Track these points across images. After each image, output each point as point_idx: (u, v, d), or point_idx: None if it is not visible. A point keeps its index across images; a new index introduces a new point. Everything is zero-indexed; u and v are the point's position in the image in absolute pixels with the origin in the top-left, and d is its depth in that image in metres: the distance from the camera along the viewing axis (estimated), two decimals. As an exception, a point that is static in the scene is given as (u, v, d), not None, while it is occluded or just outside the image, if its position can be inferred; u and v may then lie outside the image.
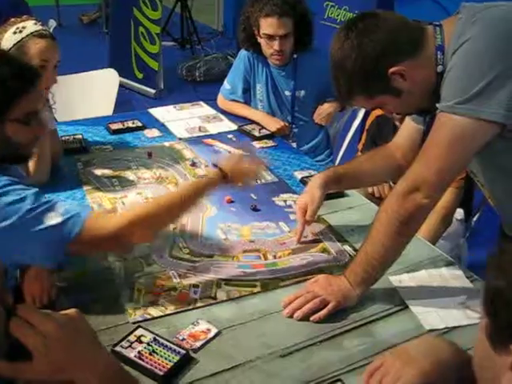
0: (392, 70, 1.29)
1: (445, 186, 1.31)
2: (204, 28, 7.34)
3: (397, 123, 2.18)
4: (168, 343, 1.22)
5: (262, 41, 2.39)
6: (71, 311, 0.81)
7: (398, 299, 1.40)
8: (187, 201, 1.40)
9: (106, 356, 0.84)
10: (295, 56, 2.44)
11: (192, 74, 5.74)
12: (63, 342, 0.77)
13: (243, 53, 2.56)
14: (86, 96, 2.93)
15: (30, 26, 1.75)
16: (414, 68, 1.29)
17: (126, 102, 4.55)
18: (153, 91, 5.10)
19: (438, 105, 1.26)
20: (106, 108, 2.96)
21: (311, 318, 1.33)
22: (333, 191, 1.80)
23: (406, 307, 1.38)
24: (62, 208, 1.24)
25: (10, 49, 1.72)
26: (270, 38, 2.34)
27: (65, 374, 0.78)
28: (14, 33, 1.73)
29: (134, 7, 4.99)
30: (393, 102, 1.37)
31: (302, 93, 2.50)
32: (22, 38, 1.73)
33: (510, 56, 1.17)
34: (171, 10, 6.61)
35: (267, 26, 2.31)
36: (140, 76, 5.15)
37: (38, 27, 1.76)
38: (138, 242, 1.37)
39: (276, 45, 2.34)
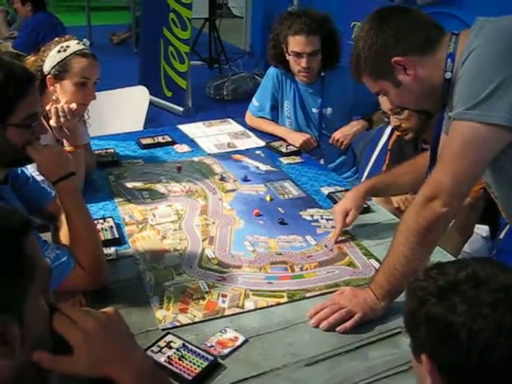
0: (395, 59, 1.37)
1: (462, 193, 1.33)
2: (231, 48, 7.46)
3: (420, 145, 2.22)
4: (196, 349, 1.25)
5: (290, 58, 2.44)
6: (109, 309, 0.85)
7: (423, 312, 1.42)
8: None
9: (141, 354, 0.87)
10: (323, 74, 2.49)
11: (220, 93, 5.83)
12: (102, 338, 0.81)
13: (272, 70, 2.62)
14: (117, 112, 3.01)
15: (74, 45, 1.84)
16: (418, 65, 1.37)
17: (154, 119, 4.64)
18: (181, 109, 5.19)
19: (450, 113, 1.31)
20: (137, 124, 3.04)
21: (337, 329, 1.35)
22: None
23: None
24: (52, 253, 1.31)
25: (54, 66, 1.80)
26: (298, 55, 2.40)
27: (103, 369, 0.82)
28: (59, 51, 1.82)
29: (164, 27, 5.12)
30: (392, 91, 1.45)
31: (329, 110, 2.55)
32: (66, 57, 1.81)
33: None
34: (199, 30, 6.75)
35: (295, 43, 2.37)
36: (169, 94, 5.25)
37: (81, 46, 1.85)
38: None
39: (304, 62, 2.40)
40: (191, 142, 2.52)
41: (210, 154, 2.38)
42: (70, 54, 1.83)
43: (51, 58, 1.83)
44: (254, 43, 7.85)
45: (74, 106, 1.80)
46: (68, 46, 1.84)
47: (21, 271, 0.74)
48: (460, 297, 0.80)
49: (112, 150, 2.34)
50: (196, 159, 2.33)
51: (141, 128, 3.02)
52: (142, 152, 2.40)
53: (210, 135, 2.61)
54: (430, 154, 1.58)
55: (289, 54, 2.43)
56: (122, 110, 3.02)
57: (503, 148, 1.26)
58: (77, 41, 1.87)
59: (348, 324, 1.35)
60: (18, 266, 0.74)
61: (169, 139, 2.50)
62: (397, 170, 1.85)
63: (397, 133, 2.29)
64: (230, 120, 2.83)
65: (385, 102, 2.08)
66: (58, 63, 1.82)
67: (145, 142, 2.46)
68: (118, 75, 5.26)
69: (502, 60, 1.22)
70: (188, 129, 2.69)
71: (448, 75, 1.35)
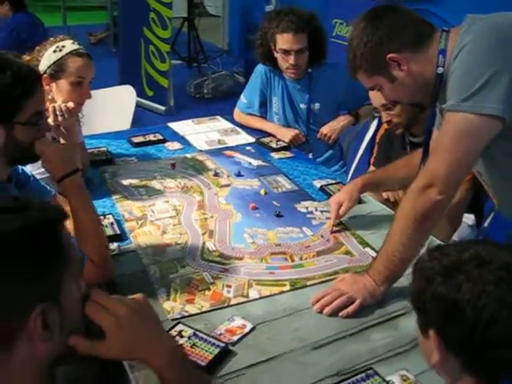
0: (390, 55, 1.43)
1: (457, 181, 1.40)
2: (209, 47, 7.48)
3: (407, 139, 2.29)
4: (207, 337, 1.30)
5: (278, 55, 2.50)
6: (138, 296, 0.89)
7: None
8: None
9: (171, 338, 0.92)
10: (310, 70, 2.55)
11: (200, 91, 5.86)
12: (134, 323, 0.85)
13: (260, 68, 2.67)
14: (104, 112, 3.02)
15: (69, 45, 1.86)
16: (411, 61, 1.44)
17: (137, 119, 4.66)
18: (163, 108, 5.21)
19: (443, 105, 1.38)
20: (124, 123, 3.06)
21: (340, 314, 1.41)
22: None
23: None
24: None
25: (50, 66, 1.82)
26: (286, 52, 2.45)
27: (135, 353, 0.86)
28: (54, 51, 1.84)
29: (145, 26, 5.12)
30: (387, 86, 1.51)
31: (317, 106, 2.61)
32: (62, 56, 1.83)
33: (503, 56, 1.29)
34: (178, 30, 6.76)
35: (283, 41, 2.43)
36: (150, 93, 5.26)
37: (76, 46, 1.87)
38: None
39: (291, 59, 2.45)
40: (182, 140, 2.55)
41: (201, 151, 2.42)
42: (66, 54, 1.85)
43: (47, 57, 1.85)
44: (232, 42, 7.89)
45: (71, 104, 1.83)
46: (64, 46, 1.86)
47: (58, 259, 0.78)
48: (465, 276, 0.86)
49: (105, 149, 2.37)
50: (189, 156, 2.37)
51: (128, 127, 3.04)
52: (135, 150, 2.43)
53: (200, 132, 2.64)
54: (422, 147, 1.64)
55: (277, 52, 2.49)
56: (108, 110, 3.03)
57: (494, 138, 1.33)
58: (72, 41, 1.90)
59: (350, 309, 1.41)
60: (56, 255, 0.78)
61: (160, 137, 2.53)
62: (393, 166, 1.91)
63: (384, 127, 2.35)
64: (218, 117, 2.87)
65: (376, 98, 2.15)
66: (54, 63, 1.84)
67: (136, 140, 2.49)
68: (98, 75, 5.23)
69: (492, 55, 1.29)
70: (177, 126, 2.72)
71: (440, 70, 1.42)
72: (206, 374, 1.13)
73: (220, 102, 5.69)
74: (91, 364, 0.98)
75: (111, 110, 3.08)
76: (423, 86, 1.47)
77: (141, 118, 5.04)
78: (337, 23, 4.08)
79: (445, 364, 0.91)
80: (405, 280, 1.49)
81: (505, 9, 1.44)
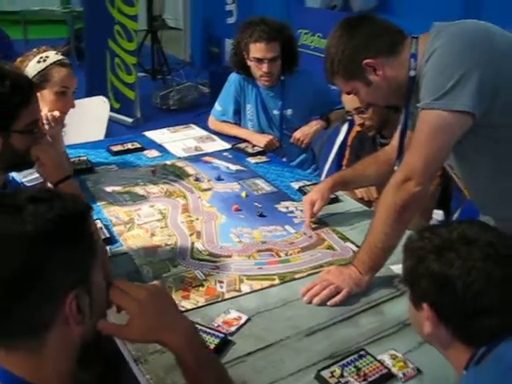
0: (366, 61, 1.54)
1: (432, 174, 1.52)
2: (172, 59, 7.54)
3: (378, 140, 2.42)
4: (206, 329, 1.36)
5: (251, 64, 2.59)
6: (156, 283, 0.96)
7: (400, 284, 1.58)
8: None
9: (188, 320, 0.98)
10: (282, 78, 2.65)
11: (166, 103, 5.92)
12: (154, 306, 0.92)
13: (234, 76, 2.75)
14: (79, 122, 3.04)
15: (52, 55, 1.91)
16: (385, 66, 1.55)
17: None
18: (130, 120, 5.24)
19: (418, 104, 1.48)
20: (98, 134, 3.09)
21: (328, 303, 1.49)
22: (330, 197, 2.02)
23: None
24: None
25: (35, 76, 1.86)
26: (259, 61, 2.55)
27: (155, 335, 0.93)
28: (38, 62, 1.88)
29: (110, 39, 5.16)
30: (363, 90, 1.61)
31: (290, 111, 2.71)
32: (46, 67, 1.88)
33: (471, 58, 1.41)
34: (142, 42, 6.80)
35: (256, 50, 2.52)
36: (117, 106, 5.28)
37: (60, 57, 1.92)
38: None
39: (265, 67, 2.55)
40: (160, 147, 2.61)
41: (180, 158, 2.49)
42: (50, 64, 1.90)
43: (31, 68, 1.89)
44: (194, 54, 7.99)
45: (56, 113, 1.87)
46: (47, 57, 1.90)
47: (88, 247, 0.84)
48: (455, 253, 0.96)
49: (85, 158, 2.41)
50: (168, 163, 2.43)
51: (102, 137, 3.08)
52: (114, 158, 2.47)
53: (177, 140, 2.71)
54: (397, 146, 1.74)
55: (250, 60, 2.58)
56: (83, 121, 3.05)
57: (465, 133, 1.45)
58: (55, 51, 1.94)
59: (338, 298, 1.50)
60: (86, 243, 0.84)
61: (138, 145, 2.58)
62: (361, 164, 2.02)
63: (356, 129, 2.48)
64: (192, 125, 2.94)
65: (348, 102, 2.27)
66: (39, 73, 1.88)
67: (115, 149, 2.53)
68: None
69: (461, 57, 1.41)
70: (154, 135, 2.78)
71: (412, 73, 1.53)
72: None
73: (186, 113, 5.76)
74: (94, 362, 1.03)
75: (86, 120, 3.10)
76: (397, 89, 1.58)
77: (108, 130, 5.06)
78: (302, 33, 4.22)
79: (437, 334, 1.00)
80: (386, 272, 1.61)
81: (450, 16, 1.58)
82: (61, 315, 0.80)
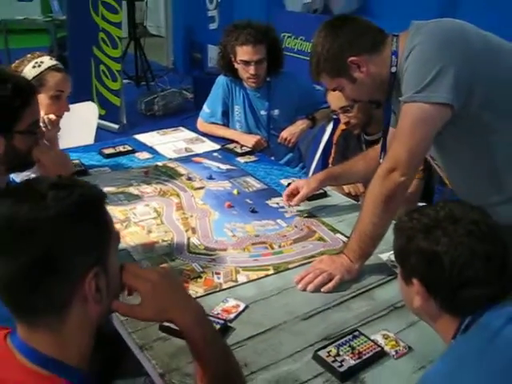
0: (350, 59, 1.63)
1: (416, 164, 1.60)
2: (155, 65, 7.59)
3: (363, 138, 2.51)
4: (207, 317, 1.42)
5: (238, 66, 2.66)
6: (164, 266, 1.02)
7: (389, 270, 1.67)
8: None
9: (195, 300, 1.05)
10: (269, 79, 2.73)
11: (151, 109, 5.97)
12: (165, 287, 0.98)
13: (221, 79, 2.83)
14: (68, 127, 3.09)
15: (47, 60, 1.96)
16: (369, 63, 1.64)
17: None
18: (116, 126, 5.28)
19: (400, 98, 1.57)
20: (87, 138, 3.13)
21: (322, 289, 1.57)
22: (318, 192, 2.10)
23: (397, 275, 1.64)
24: None
25: (30, 80, 1.91)
26: (246, 63, 2.63)
27: (166, 313, 0.99)
28: (34, 67, 1.94)
29: (94, 46, 5.20)
30: (348, 87, 1.70)
31: (276, 112, 2.79)
32: (42, 72, 1.94)
33: (448, 54, 1.49)
34: (125, 49, 6.84)
35: (243, 53, 2.60)
36: (103, 112, 5.29)
37: (54, 62, 1.98)
38: None
39: (252, 69, 2.63)
40: (150, 149, 2.67)
41: (171, 159, 2.55)
42: (45, 69, 1.95)
43: (27, 73, 1.94)
44: (177, 60, 8.06)
45: (53, 116, 1.93)
46: (42, 62, 1.96)
47: (105, 230, 0.91)
48: (442, 231, 1.04)
49: (77, 161, 2.45)
50: (160, 164, 2.49)
51: (92, 142, 3.13)
52: (106, 161, 2.53)
53: (167, 142, 2.77)
54: (381, 141, 1.83)
55: (237, 63, 2.65)
56: (72, 126, 3.10)
57: (445, 124, 1.54)
58: (49, 57, 2.00)
59: (330, 284, 1.57)
60: (104, 226, 0.91)
61: (129, 148, 2.64)
62: (350, 162, 2.10)
63: (341, 128, 2.56)
64: (181, 128, 3.00)
65: (334, 101, 2.35)
66: (34, 77, 1.94)
67: (107, 151, 2.59)
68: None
69: (439, 53, 1.50)
70: (144, 138, 2.84)
71: (393, 69, 1.62)
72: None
73: (171, 119, 5.80)
74: (98, 350, 1.09)
75: (75, 126, 3.15)
76: (380, 85, 1.67)
77: (96, 136, 5.10)
78: (285, 36, 4.31)
79: (426, 307, 1.08)
80: (375, 260, 1.69)
81: (427, 17, 1.66)
82: (80, 293, 0.86)
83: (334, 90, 1.79)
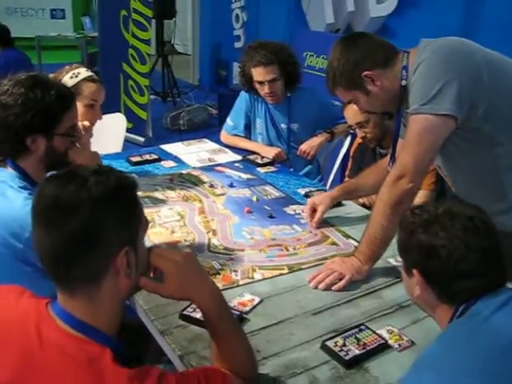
0: (365, 73, 1.74)
1: (422, 172, 1.70)
2: (181, 82, 7.82)
3: (378, 151, 2.61)
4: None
5: (256, 85, 2.81)
6: (187, 250, 1.14)
7: (396, 273, 1.76)
8: None
9: (212, 282, 1.17)
10: (289, 94, 2.87)
11: (176, 123, 6.15)
12: (187, 268, 1.10)
13: (244, 94, 2.98)
14: (97, 136, 3.26)
15: (83, 72, 2.12)
16: (382, 77, 1.75)
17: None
18: (142, 139, 5.46)
19: (408, 110, 1.68)
20: (116, 147, 3.30)
21: (333, 288, 1.67)
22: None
23: (405, 279, 1.73)
24: None
25: None
26: (261, 83, 2.79)
27: (187, 292, 1.11)
28: (71, 77, 2.09)
29: (124, 62, 5.42)
30: (363, 99, 1.81)
31: (296, 126, 2.92)
32: (78, 82, 2.09)
33: (452, 69, 1.61)
34: (153, 66, 7.07)
35: (257, 74, 2.76)
36: (130, 126, 5.47)
37: (90, 73, 2.14)
38: None
39: (266, 88, 2.79)
40: (175, 158, 2.81)
41: (194, 168, 2.68)
42: (81, 80, 2.11)
43: (64, 82, 2.09)
44: (202, 77, 8.27)
45: (87, 123, 2.08)
46: (79, 73, 2.12)
47: (137, 214, 1.03)
48: (440, 226, 1.15)
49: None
50: (184, 172, 2.62)
51: (120, 151, 3.29)
52: (133, 168, 2.67)
53: (191, 152, 2.91)
54: (390, 150, 1.94)
55: (254, 83, 2.80)
56: (102, 134, 3.26)
57: (450, 135, 1.64)
58: (85, 68, 2.16)
59: (341, 283, 1.67)
60: (135, 210, 1.03)
61: (155, 156, 2.78)
62: (363, 174, 2.21)
63: (358, 141, 2.68)
64: (205, 140, 3.15)
65: (351, 117, 2.47)
66: (71, 87, 2.09)
67: (134, 159, 2.73)
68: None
69: (444, 68, 1.61)
70: (169, 148, 2.99)
71: (404, 83, 1.73)
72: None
73: (195, 134, 5.95)
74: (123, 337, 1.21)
75: (105, 135, 3.31)
76: (392, 97, 1.78)
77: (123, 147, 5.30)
78: (307, 55, 4.46)
79: (425, 296, 1.18)
80: (384, 263, 1.79)
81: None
82: (114, 267, 0.99)
83: (349, 102, 1.91)
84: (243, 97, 2.98)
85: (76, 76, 2.11)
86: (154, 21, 6.29)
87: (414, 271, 1.18)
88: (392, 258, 1.82)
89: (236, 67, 6.64)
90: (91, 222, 0.95)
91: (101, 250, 0.97)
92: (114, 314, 1.03)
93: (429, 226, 1.16)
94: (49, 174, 1.19)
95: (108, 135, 3.33)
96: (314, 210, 2.09)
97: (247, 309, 1.57)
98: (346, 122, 2.72)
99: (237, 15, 7.20)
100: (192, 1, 8.36)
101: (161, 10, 6.56)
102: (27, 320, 1.02)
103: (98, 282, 0.99)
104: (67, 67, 2.16)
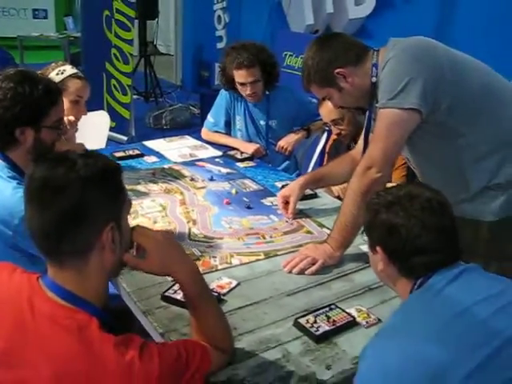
0: (337, 70, 1.85)
1: (390, 162, 1.82)
2: (163, 82, 7.88)
3: (352, 146, 2.72)
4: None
5: (237, 85, 2.91)
6: (167, 229, 1.24)
7: (367, 258, 1.84)
8: None
9: (191, 259, 1.26)
10: (267, 93, 2.97)
11: (159, 123, 6.22)
12: (168, 246, 1.19)
13: (224, 92, 3.07)
14: (81, 133, 3.33)
15: (69, 69, 2.21)
16: (353, 74, 1.86)
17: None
18: (125, 138, 5.52)
19: (376, 104, 1.79)
20: (99, 144, 3.37)
21: (306, 272, 1.77)
22: (309, 193, 2.31)
23: (374, 264, 1.84)
24: None
25: None
26: (242, 84, 2.89)
27: (167, 267, 1.20)
28: (57, 74, 2.18)
29: (107, 62, 5.48)
30: (336, 95, 1.92)
31: (274, 122, 3.03)
32: (64, 78, 2.17)
33: (416, 66, 1.72)
34: (135, 66, 7.13)
35: (239, 76, 2.86)
36: (113, 125, 5.54)
37: (75, 70, 2.22)
38: None
39: (248, 90, 2.90)
40: (158, 154, 2.90)
41: (176, 163, 2.77)
42: (67, 77, 2.19)
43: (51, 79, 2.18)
44: (185, 77, 8.34)
45: (72, 118, 2.16)
46: (65, 70, 2.20)
47: (121, 194, 1.13)
48: (400, 207, 1.25)
49: (91, 162, 2.68)
50: (166, 166, 2.71)
51: (103, 147, 3.36)
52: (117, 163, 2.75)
53: (173, 148, 3.00)
54: (363, 145, 2.05)
55: (235, 84, 2.91)
56: (86, 131, 3.34)
57: (415, 129, 1.75)
58: (71, 66, 2.24)
59: (314, 268, 1.78)
60: (120, 190, 1.13)
61: (138, 152, 2.87)
62: (330, 165, 2.32)
63: (333, 138, 2.79)
64: (186, 136, 3.24)
65: (325, 115, 2.59)
66: (57, 83, 2.17)
67: (118, 154, 2.82)
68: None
69: (409, 65, 1.73)
70: (152, 144, 3.07)
71: (374, 79, 1.85)
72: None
73: (177, 132, 5.97)
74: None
75: (89, 131, 3.39)
76: (364, 93, 1.89)
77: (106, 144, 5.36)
78: (286, 55, 4.58)
79: (387, 271, 1.28)
80: (355, 250, 1.89)
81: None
82: (100, 242, 1.08)
83: (323, 99, 2.01)
84: (223, 95, 3.08)
85: (62, 73, 2.19)
86: (136, 21, 6.36)
87: (378, 248, 1.28)
88: (363, 245, 1.93)
89: (218, 68, 6.77)
90: (79, 201, 1.04)
91: (88, 226, 1.06)
92: (100, 286, 1.12)
93: (391, 206, 1.26)
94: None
95: (92, 132, 3.40)
96: (286, 202, 2.19)
97: (225, 291, 1.66)
98: (321, 119, 2.83)
99: (219, 16, 7.28)
100: (174, 2, 8.42)
101: (143, 10, 6.62)
102: (20, 294, 1.11)
103: (86, 256, 1.08)
104: (53, 64, 2.24)
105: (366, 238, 1.39)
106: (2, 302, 1.12)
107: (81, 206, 1.04)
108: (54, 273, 1.10)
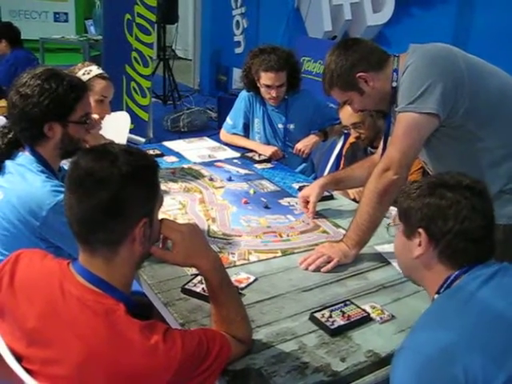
0: (359, 74, 1.90)
1: (408, 165, 1.84)
2: (181, 86, 7.98)
3: (369, 151, 2.77)
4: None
5: (261, 88, 2.97)
6: (192, 222, 1.29)
7: (382, 258, 1.91)
8: None
9: (214, 251, 1.31)
10: (286, 97, 3.03)
11: (176, 125, 6.30)
12: (191, 237, 1.25)
13: (244, 94, 3.14)
14: (103, 133, 3.41)
15: (95, 69, 2.28)
16: (374, 78, 1.91)
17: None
18: (143, 140, 5.61)
19: (396, 108, 1.83)
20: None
21: (322, 270, 1.81)
22: (325, 195, 2.36)
23: (389, 263, 1.88)
24: None
25: None
26: (268, 87, 2.94)
27: (192, 259, 1.25)
28: (84, 74, 2.25)
29: (127, 64, 5.58)
30: (357, 99, 1.97)
31: (292, 126, 3.09)
32: (90, 78, 2.24)
33: (436, 72, 1.76)
34: (154, 70, 7.23)
35: (266, 78, 2.91)
36: (131, 126, 5.64)
37: (100, 71, 2.29)
38: None
39: (273, 92, 2.95)
40: (177, 154, 2.97)
41: (195, 163, 2.84)
42: (93, 77, 2.26)
43: None
44: (203, 82, 8.44)
45: (96, 116, 2.23)
46: (91, 70, 2.27)
47: (156, 191, 1.19)
48: (447, 189, 1.23)
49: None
50: (185, 166, 2.77)
51: (124, 148, 3.43)
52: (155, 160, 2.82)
53: (192, 149, 3.07)
54: (382, 148, 2.09)
55: (260, 86, 2.96)
56: (108, 131, 3.41)
57: (434, 132, 1.80)
58: (97, 66, 2.32)
59: (329, 265, 1.82)
60: (155, 187, 1.19)
61: (158, 152, 2.94)
62: (350, 168, 2.37)
63: (350, 141, 2.84)
64: (205, 138, 3.30)
65: (346, 119, 2.63)
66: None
67: (139, 154, 2.88)
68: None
69: (429, 70, 1.77)
70: (171, 145, 3.14)
71: (394, 84, 1.89)
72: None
73: (194, 135, 6.06)
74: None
75: (110, 131, 3.46)
76: (384, 97, 1.93)
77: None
78: (305, 60, 4.64)
79: (425, 255, 1.26)
80: (370, 250, 1.94)
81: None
82: (132, 235, 1.14)
83: (344, 103, 2.05)
84: (243, 97, 3.14)
85: (88, 73, 2.26)
86: (155, 26, 6.46)
87: (420, 230, 1.25)
88: (378, 245, 1.97)
89: (236, 72, 6.86)
90: (119, 195, 1.10)
91: (123, 220, 1.12)
92: (127, 274, 1.18)
93: (435, 188, 1.25)
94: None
95: (113, 131, 3.47)
96: (307, 202, 2.24)
97: (243, 285, 1.71)
98: (339, 123, 2.88)
99: (237, 22, 7.37)
100: (194, 7, 8.55)
101: (163, 15, 6.73)
102: (51, 277, 1.17)
103: (117, 246, 1.14)
104: (80, 65, 2.31)
105: (394, 228, 1.38)
106: (34, 285, 1.18)
107: (119, 200, 1.10)
108: (84, 259, 1.15)
